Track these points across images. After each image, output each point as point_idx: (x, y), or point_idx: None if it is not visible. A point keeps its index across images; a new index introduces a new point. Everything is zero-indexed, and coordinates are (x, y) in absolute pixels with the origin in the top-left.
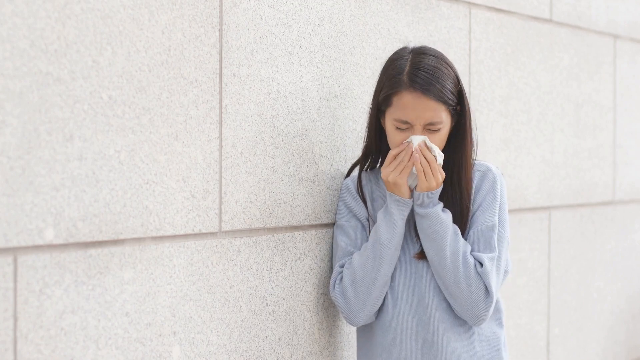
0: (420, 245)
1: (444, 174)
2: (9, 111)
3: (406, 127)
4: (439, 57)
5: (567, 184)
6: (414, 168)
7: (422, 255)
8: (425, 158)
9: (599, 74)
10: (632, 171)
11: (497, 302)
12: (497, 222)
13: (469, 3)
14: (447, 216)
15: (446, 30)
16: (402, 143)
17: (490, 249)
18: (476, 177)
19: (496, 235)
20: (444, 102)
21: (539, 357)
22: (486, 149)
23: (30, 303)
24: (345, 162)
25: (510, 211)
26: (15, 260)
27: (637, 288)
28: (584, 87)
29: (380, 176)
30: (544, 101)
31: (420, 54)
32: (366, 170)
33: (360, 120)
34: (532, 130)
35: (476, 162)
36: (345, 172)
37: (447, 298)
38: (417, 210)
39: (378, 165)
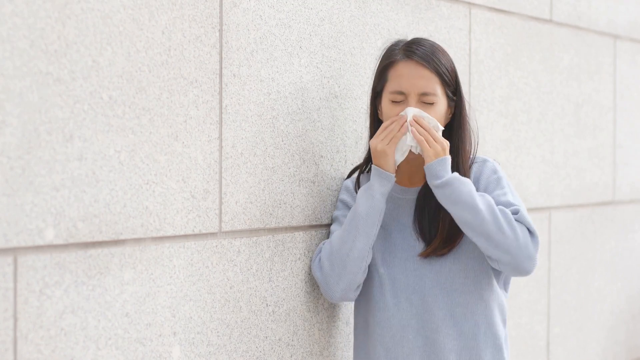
0: (425, 245)
1: (447, 142)
2: (9, 111)
3: (401, 98)
4: (436, 43)
5: (567, 184)
6: (409, 139)
7: (427, 254)
8: (422, 127)
9: (599, 74)
10: (632, 171)
11: (502, 300)
12: (508, 192)
13: (469, 3)
14: (467, 180)
15: (446, 31)
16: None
17: (513, 207)
18: (474, 168)
19: (511, 199)
20: (439, 75)
21: (539, 357)
22: (486, 149)
23: (30, 303)
24: (345, 162)
25: None
26: (15, 261)
27: (637, 288)
28: (584, 87)
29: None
30: (544, 101)
31: (416, 38)
32: (367, 172)
33: (360, 121)
34: (532, 130)
35: (474, 157)
36: (346, 173)
37: (494, 254)
38: (433, 182)
39: None
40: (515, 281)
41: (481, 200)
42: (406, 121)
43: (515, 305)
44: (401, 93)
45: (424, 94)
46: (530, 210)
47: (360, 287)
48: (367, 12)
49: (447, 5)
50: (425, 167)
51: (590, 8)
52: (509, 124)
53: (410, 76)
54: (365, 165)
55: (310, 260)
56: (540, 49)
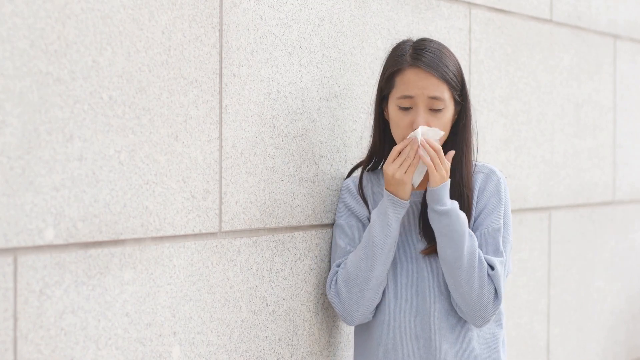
0: (427, 242)
1: (448, 164)
2: (9, 111)
3: (409, 104)
4: (442, 45)
5: (567, 184)
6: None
7: (429, 251)
8: (433, 149)
9: (599, 74)
10: (632, 171)
11: None
12: (502, 225)
13: (469, 3)
14: (464, 215)
15: (446, 30)
16: (406, 138)
17: (498, 253)
18: (479, 179)
19: (501, 238)
20: (447, 81)
21: (539, 357)
22: (486, 149)
23: (30, 303)
24: (346, 162)
25: (510, 211)
26: (15, 260)
27: (637, 288)
28: (584, 87)
29: (382, 176)
30: (544, 101)
31: (422, 40)
32: (368, 171)
33: (360, 121)
34: (532, 130)
35: (478, 163)
36: (346, 172)
37: (455, 297)
38: (435, 207)
39: (380, 166)
40: (515, 281)
41: (468, 246)
42: (418, 145)
43: (515, 305)
44: (409, 99)
45: (433, 99)
46: (530, 210)
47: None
48: (367, 12)
49: (447, 5)
50: (429, 190)
51: (590, 8)
52: (509, 124)
53: (418, 83)
54: (368, 163)
55: (325, 284)
56: (540, 49)
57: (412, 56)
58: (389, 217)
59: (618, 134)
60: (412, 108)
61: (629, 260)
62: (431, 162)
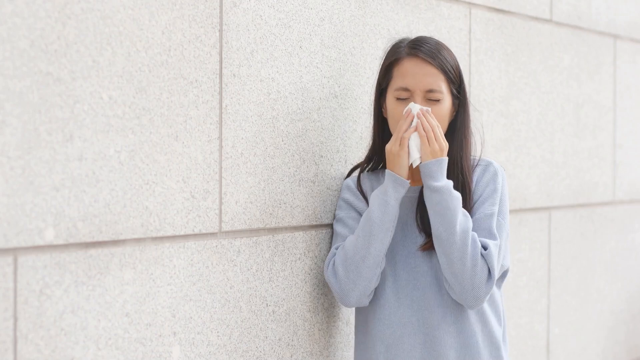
0: (426, 237)
1: (447, 143)
2: (9, 111)
3: (406, 95)
4: (440, 42)
5: (567, 184)
6: (413, 143)
7: (427, 247)
8: (428, 122)
9: (599, 74)
10: (632, 171)
11: (496, 299)
12: (496, 210)
13: (469, 3)
14: (458, 194)
15: (446, 31)
16: (403, 114)
17: (491, 236)
18: (478, 171)
19: (495, 223)
20: (444, 72)
21: (539, 357)
22: (486, 149)
23: (30, 303)
24: (346, 162)
25: (510, 211)
26: (15, 261)
27: (637, 288)
28: (584, 87)
29: (382, 175)
30: (544, 101)
31: (420, 36)
32: (368, 171)
33: (360, 121)
34: (532, 130)
35: (479, 158)
36: (346, 172)
37: (448, 278)
38: (428, 182)
39: (379, 167)
40: (515, 281)
41: (461, 223)
42: (413, 118)
43: (515, 305)
44: (406, 90)
45: (430, 91)
46: (530, 210)
47: (374, 292)
48: (367, 12)
49: (447, 5)
50: (421, 164)
51: (590, 8)
52: (509, 124)
53: (416, 73)
54: (367, 164)
55: (323, 266)
56: (540, 49)
57: (410, 46)
58: (388, 196)
59: (618, 134)
60: (409, 99)
61: (629, 260)
62: (424, 133)
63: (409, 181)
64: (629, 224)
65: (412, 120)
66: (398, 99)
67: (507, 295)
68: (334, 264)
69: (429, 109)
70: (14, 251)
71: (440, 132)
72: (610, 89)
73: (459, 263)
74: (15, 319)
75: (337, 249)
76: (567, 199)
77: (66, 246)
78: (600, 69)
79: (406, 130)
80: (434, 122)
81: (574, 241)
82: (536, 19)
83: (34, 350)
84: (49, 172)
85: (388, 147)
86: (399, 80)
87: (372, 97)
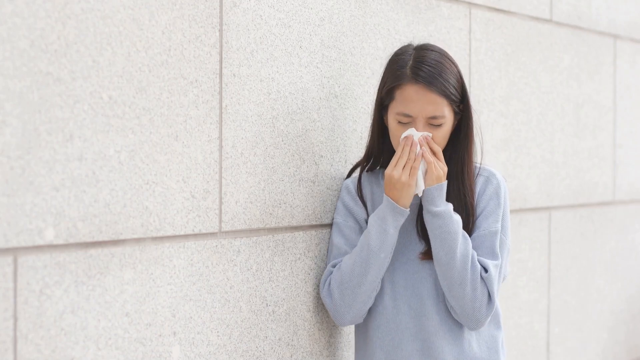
0: (425, 245)
1: (446, 167)
2: (9, 111)
3: (408, 120)
4: (443, 54)
5: (567, 184)
6: (420, 173)
7: (427, 256)
8: (431, 148)
9: (599, 74)
10: (632, 171)
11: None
12: (499, 228)
13: (469, 3)
14: (458, 217)
15: (446, 31)
16: (401, 139)
17: (493, 256)
18: (480, 182)
19: (498, 241)
20: (447, 96)
21: (539, 357)
22: (486, 149)
23: (30, 303)
24: (346, 162)
25: (510, 211)
26: (15, 261)
27: (637, 288)
28: (584, 87)
29: (382, 177)
30: (544, 101)
31: (423, 49)
32: (367, 171)
33: (360, 121)
34: (532, 130)
35: (480, 166)
36: (346, 172)
37: (449, 300)
38: (429, 208)
39: (378, 166)
40: (515, 281)
41: (461, 247)
42: (417, 144)
43: (515, 305)
44: (408, 116)
45: (432, 117)
46: (530, 210)
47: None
48: (367, 12)
49: (447, 5)
50: (424, 190)
51: (590, 8)
52: (508, 124)
53: (418, 101)
54: (366, 163)
55: (319, 284)
56: (540, 49)
57: (412, 70)
58: (387, 224)
59: (618, 134)
60: (410, 123)
61: (629, 260)
62: (431, 160)
63: (408, 210)
64: (629, 224)
65: (417, 148)
66: (400, 122)
67: (507, 295)
68: (329, 284)
69: (430, 134)
70: (14, 251)
71: (441, 156)
72: (610, 89)
73: (459, 287)
74: (15, 319)
75: (333, 267)
76: (567, 199)
77: (66, 246)
78: (600, 69)
79: (415, 160)
80: (436, 147)
81: (574, 241)
82: (536, 19)
83: (34, 350)
84: (49, 172)
85: (395, 175)
86: (401, 105)
87: (373, 98)
